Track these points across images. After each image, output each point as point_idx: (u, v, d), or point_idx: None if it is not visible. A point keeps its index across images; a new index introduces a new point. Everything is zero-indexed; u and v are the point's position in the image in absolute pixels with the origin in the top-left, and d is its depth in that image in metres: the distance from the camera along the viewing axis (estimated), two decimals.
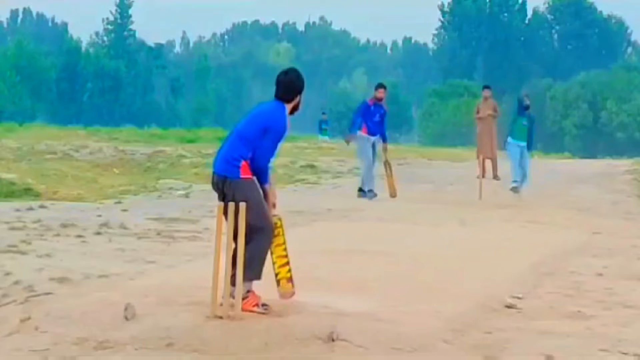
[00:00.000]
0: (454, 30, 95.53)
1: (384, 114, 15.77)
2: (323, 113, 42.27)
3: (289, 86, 6.55)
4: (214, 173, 6.47)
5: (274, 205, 6.50)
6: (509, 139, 16.16)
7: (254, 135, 6.38)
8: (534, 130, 16.23)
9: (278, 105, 6.51)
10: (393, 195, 15.57)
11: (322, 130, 38.69)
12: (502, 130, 20.59)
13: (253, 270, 6.25)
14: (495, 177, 19.66)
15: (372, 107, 15.72)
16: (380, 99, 15.74)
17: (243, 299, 6.17)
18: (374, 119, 15.64)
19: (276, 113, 6.47)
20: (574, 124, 73.80)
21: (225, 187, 6.36)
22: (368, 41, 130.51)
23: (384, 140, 15.85)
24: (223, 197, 6.37)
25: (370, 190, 15.50)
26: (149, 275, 7.90)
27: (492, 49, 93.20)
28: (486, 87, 21.33)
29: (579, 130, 73.56)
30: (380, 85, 16.16)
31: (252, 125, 6.44)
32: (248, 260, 6.15)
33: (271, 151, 6.42)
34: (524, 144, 16.03)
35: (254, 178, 6.39)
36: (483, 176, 17.64)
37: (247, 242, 6.13)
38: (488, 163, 19.67)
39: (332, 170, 21.41)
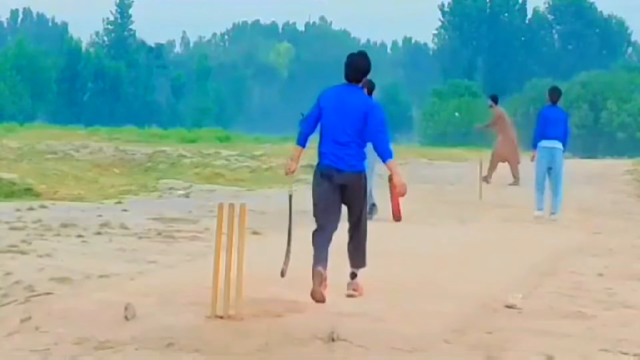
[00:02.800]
0: (454, 30, 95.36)
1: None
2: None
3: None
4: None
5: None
6: None
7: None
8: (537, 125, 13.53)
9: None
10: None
11: None
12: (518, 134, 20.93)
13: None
14: (485, 179, 19.09)
15: None
16: None
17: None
18: None
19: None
20: (574, 123, 73.44)
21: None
22: (368, 41, 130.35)
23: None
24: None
25: (373, 205, 12.87)
26: (149, 275, 7.90)
27: (492, 48, 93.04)
28: (490, 96, 21.45)
29: (579, 130, 73.35)
30: None
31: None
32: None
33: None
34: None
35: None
36: (517, 183, 18.07)
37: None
38: (492, 164, 19.66)
39: None
